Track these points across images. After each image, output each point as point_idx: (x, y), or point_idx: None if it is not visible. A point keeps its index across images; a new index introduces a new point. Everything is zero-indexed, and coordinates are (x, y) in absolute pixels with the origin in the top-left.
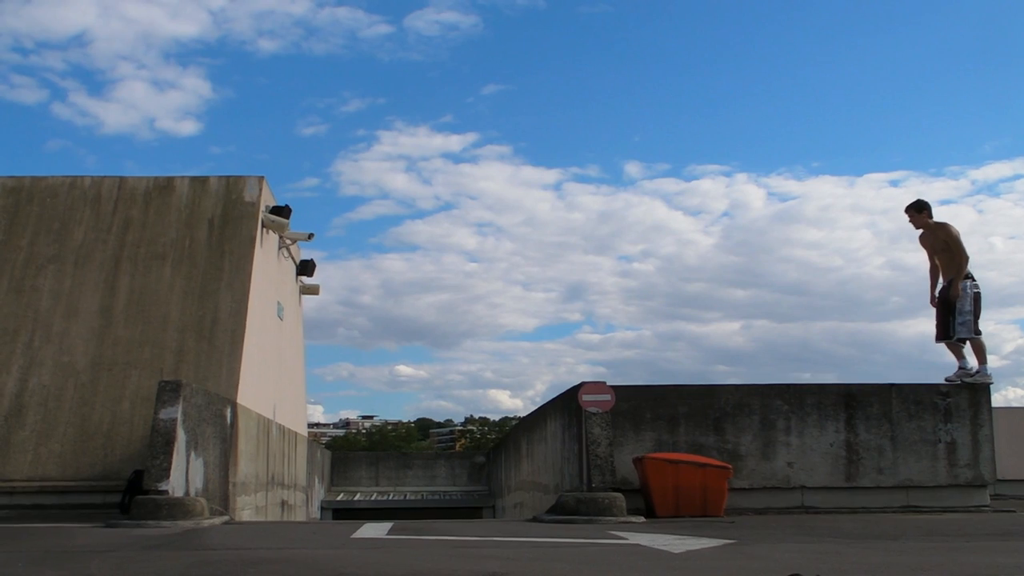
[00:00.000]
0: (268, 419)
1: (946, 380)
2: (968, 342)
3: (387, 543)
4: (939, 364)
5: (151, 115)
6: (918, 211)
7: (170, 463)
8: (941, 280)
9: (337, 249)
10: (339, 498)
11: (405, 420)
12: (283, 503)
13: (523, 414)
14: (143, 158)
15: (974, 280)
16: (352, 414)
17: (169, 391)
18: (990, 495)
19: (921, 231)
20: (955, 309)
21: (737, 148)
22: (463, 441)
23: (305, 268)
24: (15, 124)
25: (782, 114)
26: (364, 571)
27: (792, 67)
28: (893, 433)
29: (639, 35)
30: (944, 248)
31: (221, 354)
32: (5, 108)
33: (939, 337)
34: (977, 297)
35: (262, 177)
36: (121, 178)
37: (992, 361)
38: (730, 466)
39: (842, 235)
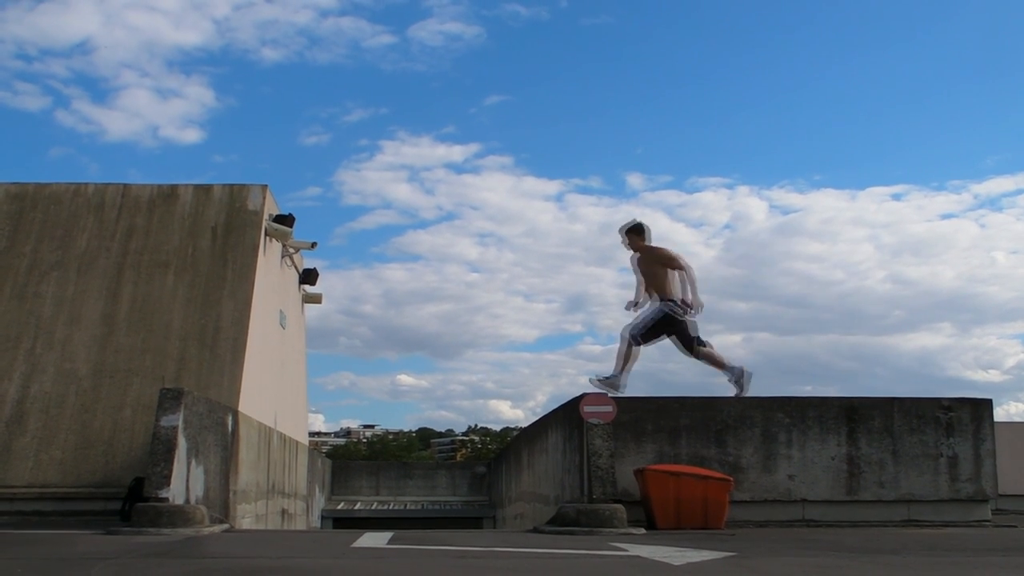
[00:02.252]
0: (269, 427)
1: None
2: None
3: (387, 553)
4: (942, 378)
5: (154, 123)
6: (637, 234)
7: (171, 471)
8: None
9: (339, 258)
10: (339, 507)
11: (406, 430)
12: (283, 512)
13: (524, 425)
14: (146, 166)
15: (675, 303)
16: (353, 423)
17: (170, 399)
18: (991, 510)
19: (637, 254)
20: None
21: (739, 160)
22: (464, 451)
23: (308, 277)
24: (18, 131)
25: (784, 127)
26: None
27: (794, 80)
28: (895, 447)
29: (642, 47)
30: (661, 267)
31: (223, 362)
32: (8, 115)
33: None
34: (666, 317)
35: (265, 186)
36: (125, 185)
37: (994, 376)
38: (731, 479)
39: (844, 248)
